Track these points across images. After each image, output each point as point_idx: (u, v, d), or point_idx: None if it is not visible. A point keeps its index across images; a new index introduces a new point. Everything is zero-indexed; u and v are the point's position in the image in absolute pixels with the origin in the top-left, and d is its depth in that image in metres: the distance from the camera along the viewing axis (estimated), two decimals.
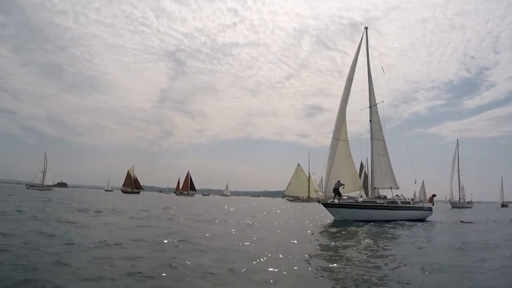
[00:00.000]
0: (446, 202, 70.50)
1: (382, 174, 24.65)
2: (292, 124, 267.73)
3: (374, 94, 25.15)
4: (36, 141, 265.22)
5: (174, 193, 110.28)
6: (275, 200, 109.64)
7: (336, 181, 22.12)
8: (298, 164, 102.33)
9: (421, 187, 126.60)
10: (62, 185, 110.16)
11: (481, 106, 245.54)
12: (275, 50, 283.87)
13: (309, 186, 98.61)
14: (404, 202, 23.93)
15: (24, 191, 58.18)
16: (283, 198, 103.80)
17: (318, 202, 22.19)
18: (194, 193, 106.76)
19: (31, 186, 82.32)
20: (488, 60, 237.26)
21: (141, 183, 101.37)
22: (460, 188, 65.07)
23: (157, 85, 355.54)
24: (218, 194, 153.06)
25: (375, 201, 22.94)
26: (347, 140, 24.01)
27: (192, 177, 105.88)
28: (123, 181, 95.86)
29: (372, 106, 24.38)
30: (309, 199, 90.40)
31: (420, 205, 25.54)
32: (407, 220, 22.44)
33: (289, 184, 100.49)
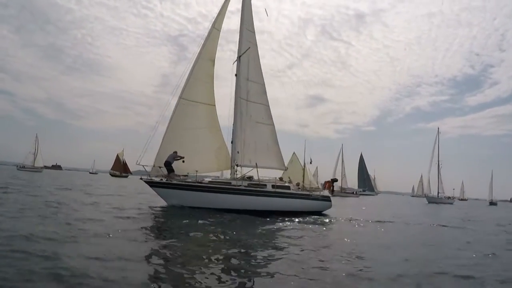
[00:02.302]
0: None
1: (259, 149, 17.47)
2: (292, 114, 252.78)
3: (254, 43, 17.95)
4: (36, 124, 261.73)
5: None
6: None
7: (172, 152, 15.35)
8: (294, 153, 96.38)
9: (419, 182, 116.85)
10: (56, 167, 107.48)
11: (483, 103, 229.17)
12: (279, 38, 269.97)
13: (304, 176, 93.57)
14: (279, 186, 16.58)
15: (14, 172, 54.95)
16: None
17: (141, 179, 15.47)
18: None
19: (21, 167, 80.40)
20: (493, 58, 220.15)
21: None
22: (439, 182, 55.77)
23: (158, 70, 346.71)
24: None
25: (230, 182, 15.83)
26: (214, 105, 17.08)
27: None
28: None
29: (241, 55, 17.12)
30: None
31: (307, 192, 17.74)
32: (285, 212, 15.32)
33: (283, 173, 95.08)
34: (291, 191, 16.53)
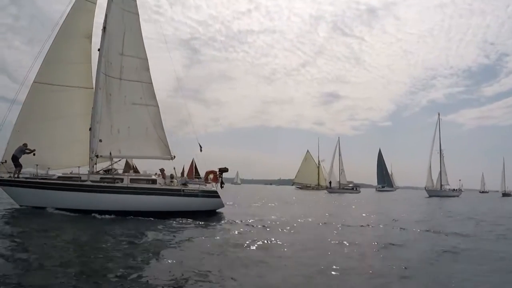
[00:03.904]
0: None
1: (134, 135, 14.11)
2: (308, 112, 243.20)
3: (133, 12, 14.72)
4: None
5: None
6: (280, 188, 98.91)
7: (20, 144, 12.55)
8: (308, 151, 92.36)
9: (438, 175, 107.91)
10: None
11: (500, 93, 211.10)
12: (291, 37, 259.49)
13: (318, 174, 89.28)
14: (139, 180, 13.00)
15: None
16: (292, 185, 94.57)
17: None
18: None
19: None
20: (508, 46, 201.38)
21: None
22: (443, 172, 49.26)
23: (172, 74, 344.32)
24: (229, 182, 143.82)
25: (79, 177, 12.64)
26: (92, 88, 14.07)
27: (200, 165, 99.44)
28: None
29: (105, 26, 13.79)
30: (318, 187, 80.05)
31: (177, 187, 13.27)
32: (155, 213, 11.94)
33: (298, 171, 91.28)
34: (156, 186, 12.90)
